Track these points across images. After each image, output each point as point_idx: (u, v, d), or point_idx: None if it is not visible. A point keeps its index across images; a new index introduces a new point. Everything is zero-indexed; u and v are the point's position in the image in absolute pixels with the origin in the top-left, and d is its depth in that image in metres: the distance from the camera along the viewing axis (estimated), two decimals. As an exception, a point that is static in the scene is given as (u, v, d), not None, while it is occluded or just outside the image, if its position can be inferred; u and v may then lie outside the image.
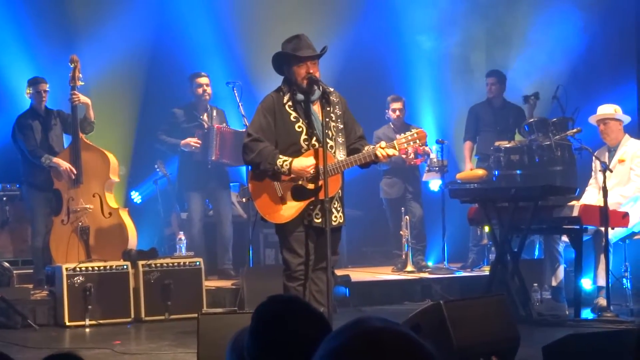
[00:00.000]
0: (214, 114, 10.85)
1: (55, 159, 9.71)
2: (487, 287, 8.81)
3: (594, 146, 9.35)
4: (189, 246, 10.16)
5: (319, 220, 6.51)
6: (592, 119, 9.41)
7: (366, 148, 6.62)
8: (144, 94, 12.13)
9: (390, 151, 6.54)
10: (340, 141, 6.59)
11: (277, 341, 2.37)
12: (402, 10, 13.17)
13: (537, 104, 11.07)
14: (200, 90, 10.73)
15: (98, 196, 9.81)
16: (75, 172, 9.68)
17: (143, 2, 12.19)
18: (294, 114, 6.58)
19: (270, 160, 6.47)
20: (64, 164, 9.68)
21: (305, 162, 6.48)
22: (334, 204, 6.58)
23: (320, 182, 6.44)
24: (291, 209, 6.56)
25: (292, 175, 6.49)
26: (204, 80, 10.77)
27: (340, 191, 6.66)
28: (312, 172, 6.47)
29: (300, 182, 6.54)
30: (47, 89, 9.93)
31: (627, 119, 9.36)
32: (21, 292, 9.32)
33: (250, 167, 6.75)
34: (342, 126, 6.62)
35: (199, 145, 10.57)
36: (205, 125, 10.68)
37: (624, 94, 11.37)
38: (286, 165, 6.45)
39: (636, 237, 9.09)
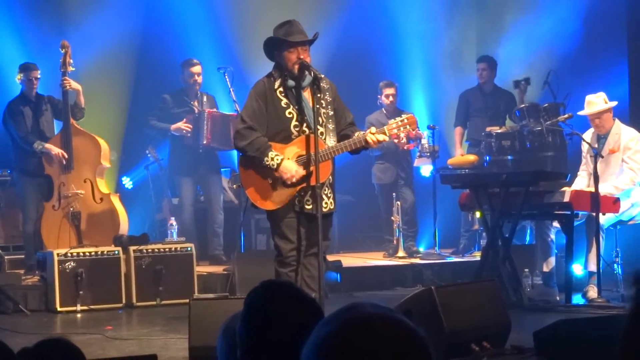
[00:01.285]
0: (204, 100, 10.83)
1: (48, 145, 9.70)
2: (478, 273, 8.82)
3: (584, 132, 9.33)
4: (180, 231, 10.16)
5: (310, 207, 6.52)
6: (585, 113, 9.29)
7: (356, 134, 6.63)
8: (135, 79, 12.10)
9: (381, 137, 6.55)
10: (331, 127, 6.59)
11: (269, 327, 2.37)
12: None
13: (528, 90, 11.07)
14: (192, 80, 10.71)
15: (89, 182, 9.80)
16: (66, 156, 9.67)
17: (134, -13, 12.16)
18: (284, 100, 6.57)
19: (262, 151, 6.46)
20: (56, 149, 9.68)
21: (294, 167, 6.48)
22: (325, 190, 6.57)
23: (311, 168, 6.44)
24: (281, 195, 6.56)
25: (275, 174, 6.49)
26: (196, 69, 10.74)
27: (330, 177, 6.66)
28: (294, 180, 6.47)
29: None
30: (39, 76, 9.90)
31: (613, 103, 9.28)
32: (12, 278, 9.32)
33: (240, 153, 6.74)
34: (332, 112, 6.62)
35: (189, 129, 10.55)
36: (196, 110, 10.66)
37: (615, 79, 11.36)
38: (277, 160, 6.45)
39: (630, 223, 9.09)
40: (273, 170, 6.48)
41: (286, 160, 6.47)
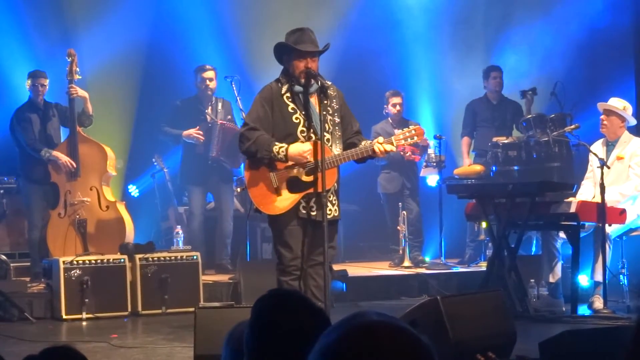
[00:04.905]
0: (219, 106, 10.73)
1: (55, 153, 9.71)
2: (484, 283, 8.81)
3: (591, 142, 9.32)
4: (188, 239, 10.15)
5: (315, 213, 6.51)
6: (600, 106, 9.32)
7: (363, 143, 6.62)
8: (141, 88, 12.11)
9: (388, 147, 6.53)
10: (337, 135, 6.59)
11: (276, 335, 2.37)
12: (400, 3, 13.15)
13: (535, 100, 11.08)
14: (203, 85, 10.68)
15: (95, 189, 9.81)
16: (74, 165, 9.69)
17: (141, -4, 12.18)
18: (292, 105, 6.57)
19: (266, 148, 6.45)
20: (63, 157, 9.69)
21: (302, 147, 6.46)
22: (330, 197, 6.56)
23: (317, 175, 6.43)
24: (286, 200, 6.55)
25: (290, 163, 6.48)
26: (208, 74, 10.68)
27: (335, 184, 6.65)
28: (309, 157, 6.46)
29: (295, 173, 6.53)
30: (46, 84, 9.92)
31: (632, 121, 9.28)
32: (18, 285, 9.33)
33: (246, 157, 6.74)
34: (339, 120, 6.61)
35: (201, 135, 10.49)
36: (209, 119, 10.60)
37: (622, 92, 11.35)
38: (282, 151, 6.44)
39: (634, 234, 9.07)
40: (282, 161, 6.46)
41: (291, 147, 6.45)
